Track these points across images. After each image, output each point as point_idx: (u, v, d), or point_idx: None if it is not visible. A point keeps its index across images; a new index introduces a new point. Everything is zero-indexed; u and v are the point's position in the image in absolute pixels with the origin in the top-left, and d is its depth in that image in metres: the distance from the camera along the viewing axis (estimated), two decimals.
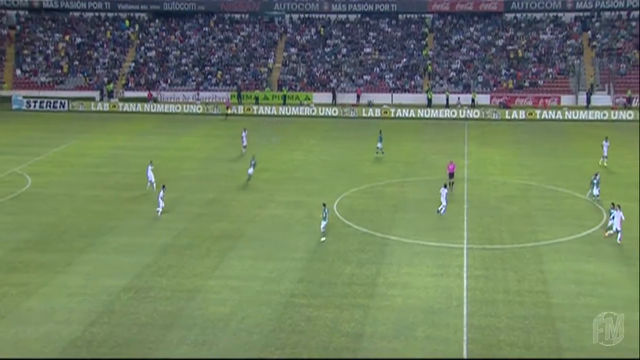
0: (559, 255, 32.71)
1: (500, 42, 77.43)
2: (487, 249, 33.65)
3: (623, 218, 33.65)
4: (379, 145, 51.59)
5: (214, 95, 74.34)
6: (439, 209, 38.25)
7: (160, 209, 38.01)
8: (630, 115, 64.43)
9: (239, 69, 77.95)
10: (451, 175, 42.53)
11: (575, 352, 24.19)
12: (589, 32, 76.27)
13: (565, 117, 65.23)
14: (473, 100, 69.09)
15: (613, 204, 34.78)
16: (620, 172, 46.80)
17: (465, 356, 24.12)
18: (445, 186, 38.99)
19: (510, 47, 76.17)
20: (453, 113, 67.75)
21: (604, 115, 65.11)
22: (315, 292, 28.99)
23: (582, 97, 68.87)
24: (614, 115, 64.92)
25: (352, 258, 32.57)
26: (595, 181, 39.74)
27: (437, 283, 29.87)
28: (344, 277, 30.60)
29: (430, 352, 24.40)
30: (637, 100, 67.42)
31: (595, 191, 39.49)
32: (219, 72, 77.48)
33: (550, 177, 45.63)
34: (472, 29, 79.47)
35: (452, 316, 26.86)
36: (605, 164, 47.55)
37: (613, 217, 34.09)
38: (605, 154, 47.92)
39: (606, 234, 34.54)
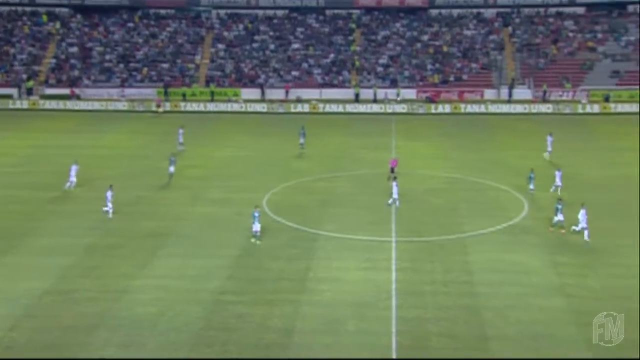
0: (483, 246, 33.54)
1: (425, 38, 78.70)
2: (415, 242, 34.22)
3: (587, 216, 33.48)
4: (302, 141, 51.64)
5: (140, 92, 72.91)
6: (389, 202, 38.50)
7: (108, 209, 36.81)
8: (548, 108, 66.53)
9: (166, 65, 76.74)
10: (392, 170, 42.90)
11: (499, 340, 24.89)
12: (510, 28, 78.36)
13: (489, 111, 66.87)
14: (398, 95, 70.05)
15: (560, 199, 35.40)
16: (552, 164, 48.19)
17: (394, 347, 24.45)
18: (394, 179, 39.34)
19: (435, 43, 77.53)
20: (381, 108, 68.53)
21: (525, 108, 67.07)
22: (244, 289, 28.88)
23: (504, 91, 70.78)
24: (534, 108, 66.94)
25: (281, 254, 32.58)
26: (531, 176, 40.48)
27: (366, 277, 30.19)
28: (274, 273, 30.59)
29: (360, 345, 24.66)
30: (551, 94, 69.60)
31: (531, 186, 40.27)
32: (145, 69, 76.09)
33: (474, 170, 46.68)
34: (398, 25, 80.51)
35: (381, 309, 27.21)
36: (549, 158, 48.31)
37: (559, 212, 34.32)
38: (550, 148, 48.70)
39: (551, 229, 34.66)
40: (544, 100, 68.38)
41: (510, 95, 70.21)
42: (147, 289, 28.71)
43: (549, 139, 48.87)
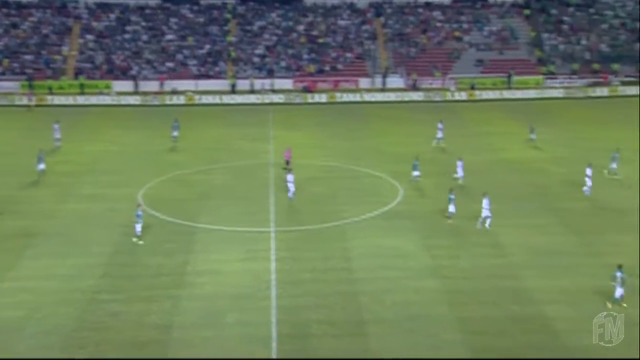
0: (361, 232, 34.11)
1: (301, 28, 79.03)
2: (294, 231, 34.32)
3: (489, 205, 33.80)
4: (175, 134, 50.49)
5: (0, 85, 68.83)
6: (290, 195, 38.26)
7: None
8: (420, 96, 68.61)
9: (29, 57, 72.82)
10: (287, 162, 42.60)
11: (376, 323, 25.38)
12: (382, 18, 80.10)
13: (364, 100, 68.13)
14: (272, 85, 70.05)
15: (451, 189, 35.79)
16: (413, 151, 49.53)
17: (274, 337, 24.41)
18: (289, 171, 39.08)
19: (310, 33, 78.04)
20: (258, 98, 68.24)
21: (398, 96, 68.85)
22: (120, 287, 27.94)
23: (378, 80, 72.31)
24: (407, 96, 68.84)
25: (159, 249, 31.77)
26: (415, 163, 40.95)
27: (245, 268, 29.97)
28: (151, 269, 29.79)
29: (240, 337, 24.45)
30: (422, 82, 71.88)
31: (415, 173, 40.83)
32: (6, 60, 71.88)
33: (351, 158, 47.39)
34: (273, 15, 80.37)
35: (261, 299, 27.09)
36: (442, 145, 49.28)
37: (451, 203, 34.59)
38: (441, 135, 49.56)
39: (450, 222, 34.66)
40: (413, 88, 70.45)
41: (383, 83, 71.84)
42: (14, 291, 27.19)
43: (439, 125, 49.84)
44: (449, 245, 32.45)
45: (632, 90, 67.65)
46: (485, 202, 33.87)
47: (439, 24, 79.26)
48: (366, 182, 42.33)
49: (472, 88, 69.79)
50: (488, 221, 33.78)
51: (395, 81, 72.42)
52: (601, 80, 70.24)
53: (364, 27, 79.33)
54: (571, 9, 78.79)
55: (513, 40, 76.63)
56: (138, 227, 32.34)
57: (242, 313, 26.02)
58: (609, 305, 26.15)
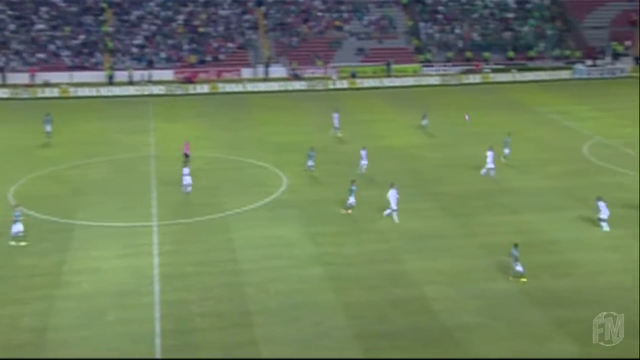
0: (246, 223, 33.89)
1: (181, 18, 77.41)
2: (178, 224, 33.65)
3: (397, 197, 33.68)
4: (48, 129, 48.17)
5: None
6: (186, 190, 37.21)
7: None
8: (302, 85, 68.90)
9: None
10: (186, 155, 41.59)
11: (262, 313, 25.31)
12: (263, 8, 79.74)
13: (247, 90, 67.70)
14: (150, 76, 68.34)
15: (353, 180, 35.54)
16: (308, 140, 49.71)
17: (157, 333, 23.85)
18: (186, 165, 38.13)
19: (191, 23, 76.60)
20: (137, 90, 66.32)
21: (281, 86, 68.86)
22: None
23: (261, 70, 72.00)
24: (289, 85, 68.97)
25: (34, 249, 30.31)
26: (311, 154, 40.74)
27: (126, 264, 29.11)
28: (25, 269, 28.40)
29: (120, 335, 23.72)
30: (304, 71, 72.34)
31: (310, 163, 40.71)
32: None
33: (234, 148, 46.95)
34: (152, 4, 78.23)
35: (143, 295, 26.41)
36: (339, 134, 49.11)
37: (352, 194, 34.51)
38: (337, 125, 49.48)
39: (346, 211, 34.48)
40: (295, 78, 70.69)
41: (266, 73, 71.63)
42: None
43: (335, 115, 49.86)
44: (333, 232, 32.80)
45: (502, 77, 70.86)
46: (391, 193, 33.62)
47: (319, 14, 79.79)
48: (250, 173, 42.08)
49: (353, 76, 70.84)
50: (395, 215, 33.57)
51: (277, 71, 72.36)
52: (474, 67, 73.13)
53: (246, 17, 78.72)
54: None
55: (392, 29, 78.35)
56: (16, 228, 30.67)
57: (123, 310, 25.25)
58: (510, 279, 27.22)
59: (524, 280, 27.22)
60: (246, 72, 72.21)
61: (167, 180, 39.41)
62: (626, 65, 72.29)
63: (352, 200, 34.74)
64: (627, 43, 75.15)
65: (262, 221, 34.19)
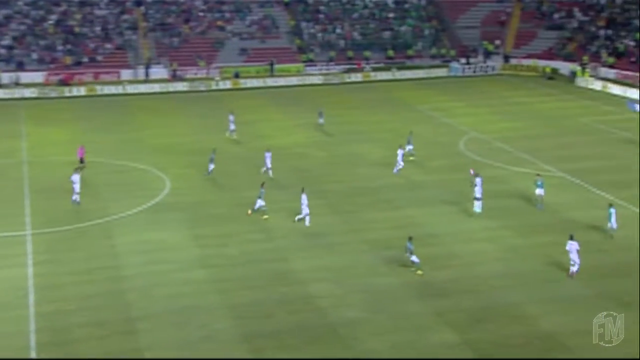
0: (128, 228, 33.00)
1: (53, 18, 74.27)
2: (54, 232, 32.28)
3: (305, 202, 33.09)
4: None
5: None
6: (73, 198, 35.53)
7: None
8: (184, 86, 67.74)
9: None
10: (81, 160, 40.04)
11: (145, 319, 24.70)
12: (143, 8, 77.84)
13: (126, 92, 65.85)
14: (16, 79, 65.15)
15: (263, 183, 34.86)
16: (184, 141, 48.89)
17: (32, 347, 22.76)
18: (76, 171, 36.47)
19: (65, 23, 73.64)
20: (6, 93, 63.05)
21: (162, 87, 67.42)
22: None
23: (141, 71, 70.24)
24: (171, 87, 67.69)
25: None
26: (212, 157, 39.83)
27: None
28: None
29: None
30: (187, 72, 71.34)
31: (211, 166, 39.82)
32: None
33: (115, 152, 45.55)
34: (21, 3, 74.66)
35: (16, 308, 25.19)
36: (234, 136, 48.17)
37: (261, 197, 33.91)
38: (233, 127, 48.32)
39: (254, 214, 34.04)
40: (176, 79, 69.47)
41: (147, 74, 69.96)
42: None
43: (231, 117, 48.94)
44: (217, 234, 32.48)
45: (383, 75, 72.55)
46: (303, 198, 33.24)
47: (201, 14, 78.80)
48: (132, 176, 40.98)
49: (237, 77, 70.43)
50: (307, 218, 33.16)
51: (158, 72, 70.82)
52: (355, 66, 74.46)
53: (124, 17, 76.57)
54: None
55: (274, 29, 78.48)
56: None
57: None
58: (419, 273, 27.84)
59: (420, 272, 27.94)
60: (126, 74, 70.25)
61: (41, 187, 37.71)
62: (496, 63, 75.78)
63: (260, 202, 33.96)
64: (497, 42, 78.83)
65: (145, 225, 33.38)
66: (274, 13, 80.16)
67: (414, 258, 27.97)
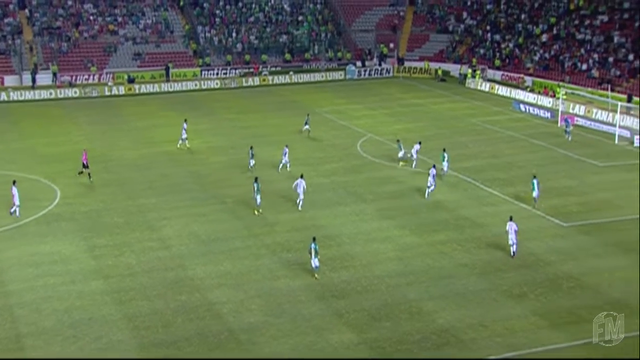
0: (15, 241, 31.69)
1: None
2: None
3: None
4: None
5: None
6: (12, 210, 33.95)
7: None
8: (75, 92, 65.58)
9: None
10: (85, 165, 39.57)
11: (35, 336, 23.78)
12: (27, 11, 74.83)
13: (10, 99, 63.07)
14: None
15: (256, 178, 35.63)
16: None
17: None
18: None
19: None
20: None
21: (51, 94, 65.02)
22: None
23: (27, 77, 67.50)
24: (61, 93, 65.33)
25: None
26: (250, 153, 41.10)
27: None
28: None
29: None
30: (77, 78, 69.19)
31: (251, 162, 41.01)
32: None
33: (1, 161, 43.61)
34: None
35: None
36: (187, 145, 46.90)
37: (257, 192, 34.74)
38: (185, 135, 46.96)
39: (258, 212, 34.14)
40: (66, 85, 67.16)
41: (34, 81, 67.31)
42: None
43: (184, 125, 47.43)
44: (113, 243, 31.65)
45: (280, 79, 72.82)
46: (300, 183, 34.78)
47: (91, 17, 76.57)
48: (20, 187, 38.99)
49: (131, 82, 68.87)
50: (300, 202, 35.21)
51: (46, 78, 68.27)
52: (252, 70, 74.39)
53: (7, 20, 73.36)
54: (222, 3, 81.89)
55: (169, 33, 77.28)
56: None
57: None
58: (315, 276, 28.01)
59: (317, 277, 28.15)
60: (10, 80, 67.38)
61: None
62: (390, 66, 77.59)
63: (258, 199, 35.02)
64: (391, 45, 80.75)
65: (34, 237, 32.14)
66: (168, 17, 78.93)
67: (314, 262, 28.16)
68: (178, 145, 47.19)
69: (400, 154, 43.08)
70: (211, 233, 32.88)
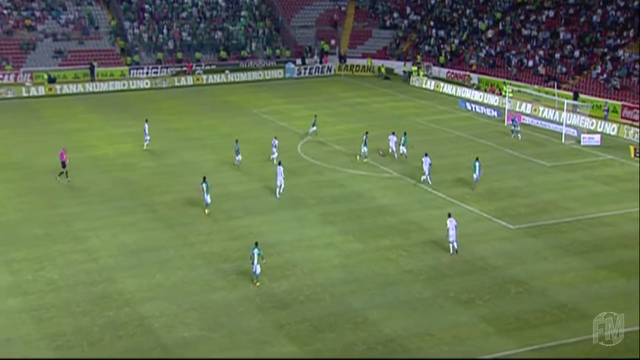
0: None
1: None
2: None
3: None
4: None
5: None
6: None
7: None
8: None
9: None
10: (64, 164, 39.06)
11: None
12: None
13: None
14: None
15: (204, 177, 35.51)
16: None
17: None
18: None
19: None
20: None
21: None
22: None
23: None
24: None
25: None
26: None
27: None
28: None
29: None
30: None
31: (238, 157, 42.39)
32: None
33: None
34: None
35: None
36: (149, 147, 46.95)
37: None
38: (147, 137, 46.99)
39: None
40: None
41: None
42: None
43: (145, 125, 47.28)
44: (33, 257, 30.95)
45: (215, 78, 72.44)
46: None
47: (5, 12, 74.66)
48: None
49: (52, 82, 67.43)
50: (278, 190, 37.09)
51: None
52: (185, 69, 73.79)
53: None
54: None
55: (93, 29, 76.00)
56: None
57: None
58: (257, 284, 28.01)
59: (257, 284, 28.13)
60: None
61: None
62: (332, 63, 78.09)
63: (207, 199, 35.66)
64: (332, 42, 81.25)
65: None
66: (92, 11, 77.59)
67: (256, 268, 28.13)
68: (145, 147, 47.16)
69: (364, 150, 44.39)
70: (142, 243, 32.47)
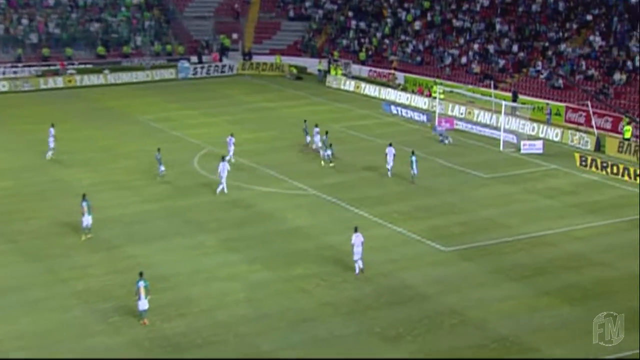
0: None
1: None
2: None
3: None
4: None
5: None
6: None
7: None
8: None
9: None
10: None
11: None
12: None
13: None
14: None
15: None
16: None
17: None
18: None
19: None
20: None
21: None
22: None
23: None
24: None
25: None
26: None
27: None
28: None
29: None
30: None
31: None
32: None
33: None
34: None
35: None
36: (53, 157, 46.86)
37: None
38: (52, 145, 47.54)
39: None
40: None
41: None
42: None
43: (51, 131, 47.74)
44: None
45: (91, 79, 71.60)
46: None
47: None
48: None
49: None
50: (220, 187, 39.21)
51: None
52: (58, 67, 72.53)
53: None
54: None
55: None
56: None
57: None
58: (144, 321, 28.04)
59: (146, 322, 28.06)
60: None
61: None
62: (234, 61, 78.31)
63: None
64: (235, 36, 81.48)
65: None
66: None
67: (142, 303, 27.96)
68: (48, 157, 47.07)
69: (322, 151, 46.33)
70: (1, 281, 31.70)
